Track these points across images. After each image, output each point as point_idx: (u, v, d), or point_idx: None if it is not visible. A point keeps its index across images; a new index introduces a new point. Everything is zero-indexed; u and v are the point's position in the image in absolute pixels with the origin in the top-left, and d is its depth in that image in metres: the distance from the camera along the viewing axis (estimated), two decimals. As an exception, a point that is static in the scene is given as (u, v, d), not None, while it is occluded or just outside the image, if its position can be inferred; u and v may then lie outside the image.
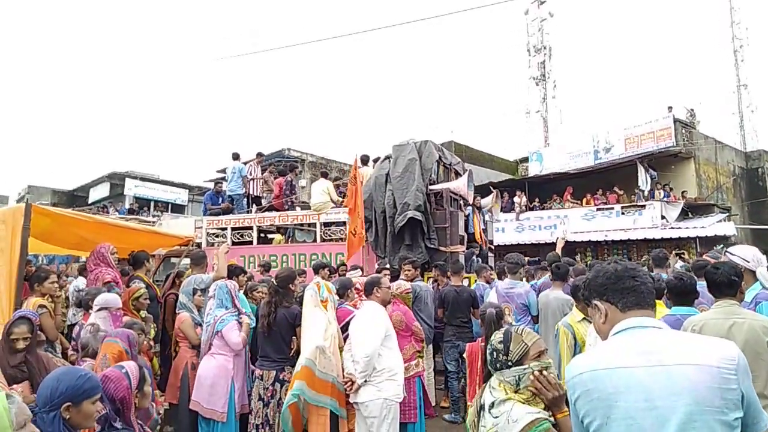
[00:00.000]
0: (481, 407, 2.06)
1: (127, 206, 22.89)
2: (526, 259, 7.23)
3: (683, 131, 17.80)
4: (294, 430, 3.91)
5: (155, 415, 3.17)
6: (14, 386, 2.95)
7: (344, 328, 4.32)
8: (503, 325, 3.66)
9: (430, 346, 6.12)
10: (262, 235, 9.68)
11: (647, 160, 16.84)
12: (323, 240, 8.59)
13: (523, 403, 1.93)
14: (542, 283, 5.88)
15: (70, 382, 2.04)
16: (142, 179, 25.68)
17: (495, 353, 2.06)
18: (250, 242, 9.04)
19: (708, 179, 18.43)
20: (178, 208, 26.11)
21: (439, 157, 8.64)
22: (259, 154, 11.78)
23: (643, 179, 16.32)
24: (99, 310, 4.04)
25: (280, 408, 4.13)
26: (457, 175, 9.48)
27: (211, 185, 12.94)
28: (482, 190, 12.74)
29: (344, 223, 8.39)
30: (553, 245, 8.70)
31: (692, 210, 16.58)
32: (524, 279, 5.98)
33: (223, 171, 15.67)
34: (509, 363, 2.01)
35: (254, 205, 10.86)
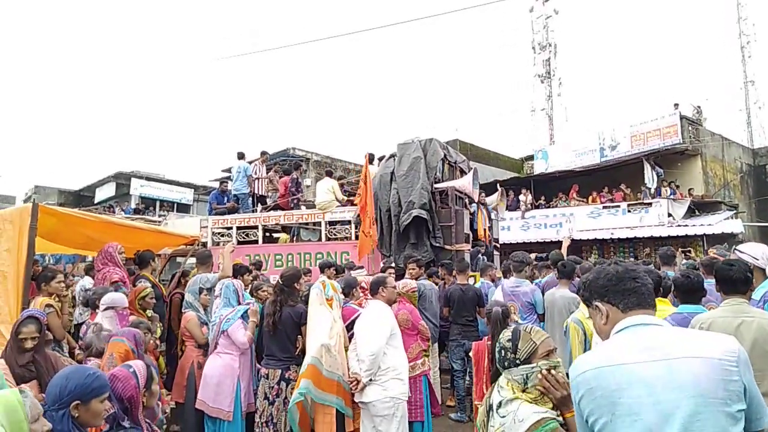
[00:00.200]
0: (490, 407, 2.05)
1: (133, 206, 22.96)
2: (534, 255, 7.21)
3: (690, 128, 17.71)
4: (301, 429, 3.92)
5: (161, 414, 3.18)
6: (22, 385, 2.97)
7: (349, 327, 4.31)
8: (509, 323, 3.65)
9: (436, 344, 6.12)
10: (268, 234, 9.70)
11: (653, 158, 16.75)
12: (328, 239, 8.59)
13: (531, 402, 1.92)
14: (546, 281, 5.86)
15: (79, 380, 2.05)
16: (148, 179, 25.75)
17: (503, 351, 2.05)
18: (256, 241, 9.06)
19: (715, 176, 18.33)
20: (183, 208, 26.17)
21: (444, 156, 8.63)
22: (264, 153, 11.80)
23: (650, 177, 16.24)
24: (105, 309, 4.06)
25: (286, 407, 4.14)
26: (462, 173, 9.46)
27: (217, 185, 12.97)
28: (487, 189, 12.73)
29: (349, 222, 8.40)
30: (558, 243, 8.68)
31: (699, 207, 16.49)
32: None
33: (229, 170, 15.70)
34: (517, 361, 2.00)
35: (259, 205, 10.88)
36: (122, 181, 25.47)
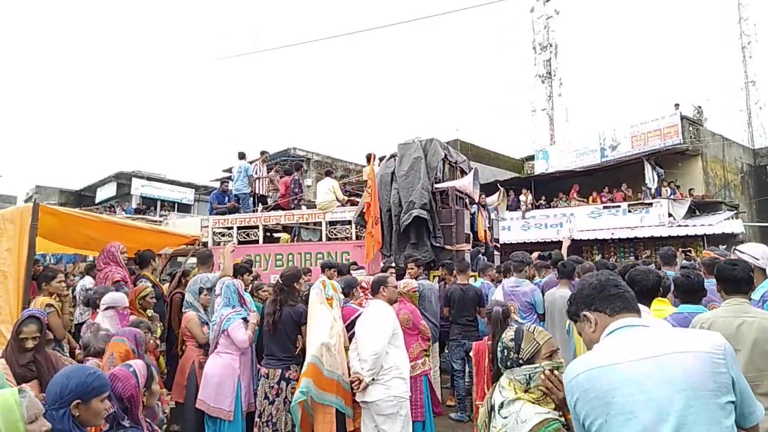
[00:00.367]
0: (492, 408, 2.04)
1: (134, 206, 22.98)
2: (536, 254, 7.21)
3: (690, 128, 17.70)
4: (302, 428, 3.92)
5: (161, 414, 3.18)
6: (23, 385, 2.97)
7: (349, 327, 4.32)
8: (510, 323, 3.65)
9: (436, 344, 6.11)
10: (268, 234, 9.70)
11: (654, 158, 16.74)
12: (329, 239, 8.59)
13: (533, 402, 1.91)
14: (546, 281, 5.86)
15: (80, 379, 2.06)
16: (149, 179, 25.76)
17: (506, 351, 2.05)
18: (256, 241, 9.06)
19: (715, 177, 18.32)
20: (184, 208, 26.18)
21: (445, 156, 8.62)
22: (263, 153, 11.80)
23: (650, 177, 16.23)
24: (106, 309, 4.06)
25: (286, 406, 4.15)
26: (463, 173, 9.45)
27: (217, 184, 12.97)
28: (488, 189, 12.72)
29: (350, 222, 8.40)
30: (559, 243, 8.68)
31: (700, 208, 16.48)
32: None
33: (229, 170, 15.71)
34: (520, 361, 1.99)
35: (260, 204, 10.88)
36: (123, 181, 25.48)
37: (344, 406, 3.99)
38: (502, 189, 11.92)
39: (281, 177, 10.90)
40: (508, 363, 2.03)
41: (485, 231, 9.50)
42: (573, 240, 10.41)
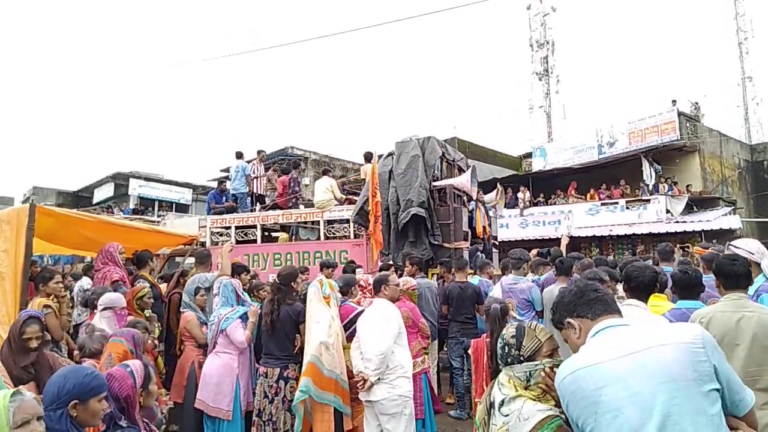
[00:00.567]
0: (491, 405, 2.02)
1: (131, 206, 22.94)
2: (535, 251, 7.21)
3: (687, 125, 17.71)
4: (302, 427, 3.93)
5: (160, 414, 3.17)
6: (19, 387, 2.96)
7: (347, 326, 4.32)
8: (508, 320, 3.65)
9: (435, 342, 6.12)
10: (266, 233, 9.69)
11: (651, 154, 16.76)
12: (327, 238, 8.59)
13: (534, 400, 1.90)
14: (545, 278, 5.86)
15: (77, 380, 2.05)
16: (146, 179, 25.70)
17: (507, 348, 2.03)
18: (254, 241, 9.05)
19: (713, 172, 18.34)
20: (182, 208, 26.13)
21: (442, 154, 8.62)
22: (260, 152, 11.78)
23: (648, 173, 16.24)
24: (103, 309, 4.05)
25: (285, 405, 4.16)
26: (461, 171, 9.46)
27: (215, 184, 12.97)
28: (486, 186, 12.73)
29: (348, 221, 8.40)
30: (557, 240, 8.68)
31: (697, 204, 16.50)
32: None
33: (227, 170, 15.68)
34: (521, 358, 1.98)
35: (258, 204, 10.87)
36: (121, 181, 25.43)
37: (342, 405, 3.99)
38: (499, 186, 11.93)
39: (279, 176, 10.89)
40: (509, 360, 2.01)
41: (483, 228, 9.51)
42: (571, 237, 10.41)
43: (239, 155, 11.10)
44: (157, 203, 25.16)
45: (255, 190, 11.09)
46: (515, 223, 18.09)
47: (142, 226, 7.39)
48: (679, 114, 17.30)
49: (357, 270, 6.59)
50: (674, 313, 3.07)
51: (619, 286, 3.65)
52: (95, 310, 4.19)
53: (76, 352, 4.17)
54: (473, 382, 4.15)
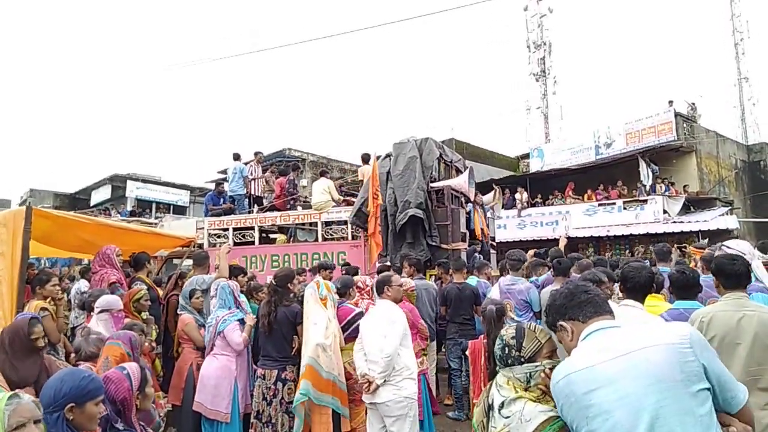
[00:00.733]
0: (490, 407, 2.01)
1: (129, 208, 22.92)
2: (532, 251, 7.21)
3: (684, 125, 17.75)
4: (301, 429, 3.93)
5: (157, 417, 3.16)
6: (17, 391, 2.94)
7: (345, 327, 4.31)
8: (505, 321, 3.65)
9: (433, 343, 6.11)
10: (264, 235, 9.69)
11: (648, 155, 16.77)
12: (325, 239, 8.59)
13: (534, 401, 1.90)
14: (544, 279, 5.86)
15: (74, 383, 2.05)
16: (144, 181, 25.69)
17: (507, 349, 2.02)
18: (252, 242, 9.05)
19: (710, 173, 18.37)
20: (179, 210, 26.13)
21: (440, 155, 8.63)
22: (257, 153, 11.77)
23: (645, 174, 16.26)
24: (100, 312, 4.04)
25: (282, 407, 4.15)
26: (458, 172, 9.46)
27: (213, 186, 12.95)
28: (483, 187, 12.75)
29: (345, 222, 8.40)
30: (555, 241, 8.70)
31: (694, 204, 16.52)
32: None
33: (224, 172, 15.69)
34: (522, 359, 1.97)
35: (256, 206, 10.86)
36: (118, 183, 25.42)
37: (340, 407, 3.98)
38: (497, 187, 11.97)
39: (276, 178, 10.88)
40: (509, 361, 2.00)
41: (481, 229, 9.51)
42: (569, 238, 10.43)
43: (237, 157, 11.09)
44: (154, 205, 25.15)
45: (253, 192, 11.08)
46: (513, 224, 18.10)
47: (139, 228, 7.39)
48: (676, 114, 17.34)
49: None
50: (672, 313, 3.07)
51: (617, 287, 3.65)
52: (92, 313, 4.18)
53: (73, 355, 4.17)
54: (471, 383, 4.14)
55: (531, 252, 7.04)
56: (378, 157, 8.92)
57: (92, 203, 26.67)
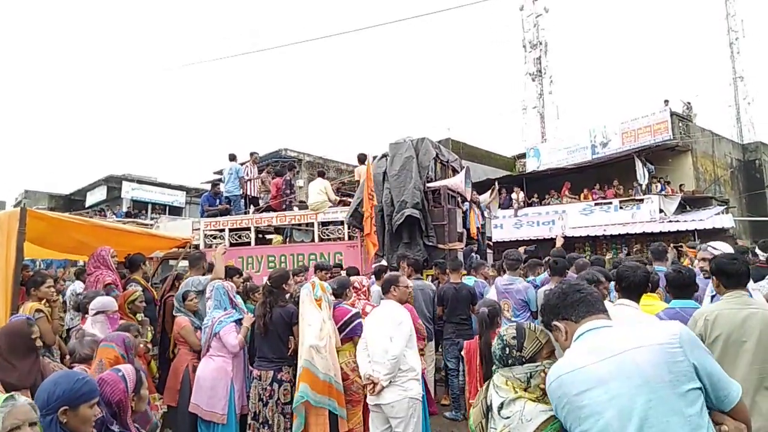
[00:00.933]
0: (488, 408, 2.00)
1: (124, 209, 22.83)
2: (522, 248, 7.22)
3: (680, 124, 17.80)
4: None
5: (154, 418, 3.15)
6: (14, 393, 2.92)
7: (342, 328, 4.30)
8: (498, 322, 3.65)
9: (431, 343, 6.10)
10: (260, 235, 9.67)
11: (644, 154, 16.82)
12: (321, 240, 8.58)
13: (534, 401, 1.90)
14: (543, 279, 5.86)
15: (67, 385, 2.03)
16: (139, 182, 25.57)
17: (507, 349, 2.01)
18: (248, 243, 9.03)
19: (705, 172, 18.43)
20: (175, 211, 26.02)
21: (436, 155, 8.63)
22: (253, 154, 11.74)
23: (641, 173, 16.30)
24: (96, 314, 4.02)
25: (279, 408, 4.14)
26: (455, 172, 9.47)
27: (209, 187, 12.92)
28: (480, 187, 12.74)
29: (342, 223, 8.38)
30: (551, 241, 8.71)
31: (690, 203, 16.57)
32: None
33: (220, 172, 15.63)
34: (523, 359, 1.97)
35: (252, 206, 10.84)
36: (113, 184, 25.30)
37: (337, 408, 3.97)
38: (494, 187, 11.95)
39: (273, 178, 10.86)
40: (510, 361, 1.99)
41: (477, 229, 9.51)
42: (565, 237, 10.43)
43: (232, 157, 11.06)
44: (150, 206, 25.06)
45: (248, 193, 11.05)
46: (509, 224, 18.12)
47: (134, 230, 7.37)
48: (672, 114, 17.39)
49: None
50: (668, 312, 3.07)
51: (612, 285, 3.66)
52: (87, 315, 4.15)
53: (67, 357, 4.14)
54: (467, 383, 4.14)
55: (521, 249, 7.04)
56: (374, 158, 8.93)
57: (87, 204, 26.55)
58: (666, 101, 18.03)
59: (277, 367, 4.25)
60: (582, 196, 17.98)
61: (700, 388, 1.50)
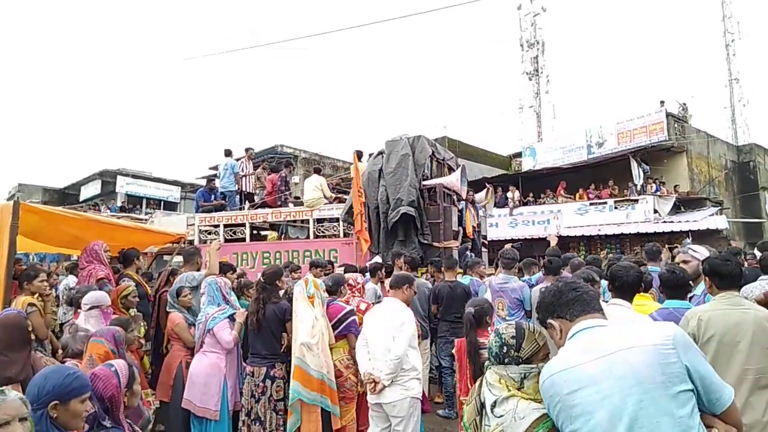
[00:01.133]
0: (482, 405, 2.00)
1: (119, 204, 22.75)
2: (509, 245, 7.23)
3: (675, 125, 17.85)
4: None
5: (147, 413, 3.13)
6: (4, 387, 2.91)
7: (336, 325, 4.29)
8: (487, 322, 3.65)
9: (427, 341, 6.10)
10: (255, 231, 9.65)
11: (640, 155, 16.86)
12: (316, 236, 8.56)
13: (527, 399, 1.90)
14: (537, 278, 5.88)
15: (58, 380, 2.02)
16: (134, 177, 25.48)
17: (505, 348, 2.00)
18: (243, 239, 9.01)
19: (700, 173, 18.50)
20: (170, 206, 25.93)
21: (432, 153, 8.62)
22: (248, 150, 11.71)
23: (636, 173, 16.35)
24: (90, 309, 4.00)
25: (271, 404, 4.14)
26: (451, 170, 9.46)
27: (204, 182, 12.86)
28: (476, 186, 12.76)
29: (337, 220, 8.38)
30: (546, 240, 8.73)
31: (684, 204, 16.64)
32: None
33: (216, 168, 15.58)
34: (519, 360, 1.97)
35: (247, 202, 10.81)
36: (108, 178, 25.19)
37: (330, 405, 3.97)
38: (489, 186, 11.98)
39: (268, 174, 10.83)
40: (506, 360, 1.99)
41: (473, 228, 9.52)
42: (560, 236, 10.47)
43: (228, 153, 11.03)
44: (145, 201, 24.98)
45: (244, 189, 11.02)
46: (505, 223, 18.13)
47: (129, 224, 7.35)
48: (667, 115, 17.43)
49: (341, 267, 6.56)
50: (662, 312, 3.08)
51: (605, 283, 3.68)
52: (80, 309, 4.13)
53: (59, 352, 4.12)
54: (458, 381, 4.14)
55: (507, 246, 7.05)
56: (370, 155, 8.91)
57: (82, 198, 26.42)
58: (662, 102, 18.08)
59: (269, 363, 4.24)
60: (577, 195, 18.01)
61: (692, 390, 1.50)
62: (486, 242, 11.19)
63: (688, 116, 19.26)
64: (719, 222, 14.87)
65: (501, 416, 1.86)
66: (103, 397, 2.25)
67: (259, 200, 10.63)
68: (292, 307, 4.23)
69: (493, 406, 1.91)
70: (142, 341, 4.65)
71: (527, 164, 21.41)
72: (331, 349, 4.18)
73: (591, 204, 17.00)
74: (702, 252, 3.73)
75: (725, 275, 2.82)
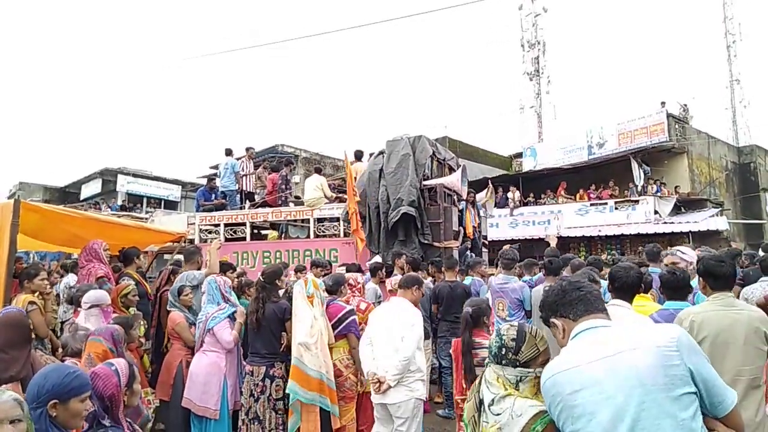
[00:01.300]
0: (481, 402, 2.01)
1: (119, 203, 22.78)
2: (507, 246, 7.23)
3: (676, 126, 17.85)
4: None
5: (146, 411, 3.13)
6: (2, 387, 2.91)
7: (335, 325, 4.29)
8: (484, 322, 3.65)
9: (428, 341, 6.10)
10: (256, 231, 9.65)
11: (640, 156, 16.86)
12: (317, 236, 8.56)
13: (524, 397, 1.90)
14: (537, 278, 5.88)
15: (57, 379, 2.01)
16: (135, 175, 25.52)
17: (504, 349, 2.01)
18: (244, 238, 9.01)
19: (701, 174, 18.49)
20: (170, 205, 25.97)
21: (433, 153, 8.62)
22: (249, 149, 11.70)
23: (637, 174, 16.34)
24: (90, 307, 4.00)
25: (270, 404, 4.14)
26: (451, 170, 9.47)
27: (204, 181, 12.86)
28: (476, 186, 12.74)
29: (338, 219, 8.37)
30: (546, 241, 8.73)
31: (685, 205, 16.63)
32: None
33: (216, 167, 15.58)
34: (517, 363, 1.97)
35: (247, 201, 10.81)
36: (109, 177, 25.22)
37: (329, 405, 3.97)
38: (490, 186, 11.96)
39: (269, 173, 10.83)
40: (503, 361, 1.99)
41: (474, 228, 9.52)
42: (560, 237, 10.47)
43: (228, 152, 11.03)
44: (145, 200, 25.02)
45: (244, 188, 11.02)
46: (505, 223, 18.12)
47: (129, 223, 7.36)
48: (668, 116, 17.43)
49: (341, 267, 6.56)
50: (662, 313, 3.08)
51: (604, 283, 3.67)
52: (80, 308, 4.14)
53: (59, 351, 4.13)
54: (455, 380, 4.14)
55: (506, 246, 7.06)
56: (371, 155, 8.91)
57: (82, 197, 26.45)
58: (663, 103, 18.08)
59: (269, 362, 4.24)
60: (578, 196, 18.01)
61: (694, 393, 1.50)
62: (486, 242, 11.18)
63: (689, 117, 19.26)
64: (720, 223, 14.87)
65: (499, 414, 1.88)
66: (103, 396, 2.25)
67: (260, 199, 10.63)
68: (292, 306, 4.24)
69: (491, 403, 1.93)
70: (142, 340, 4.65)
71: (528, 164, 21.41)
72: (330, 348, 4.18)
73: (591, 205, 17.00)
74: (690, 254, 3.74)
75: (719, 276, 2.82)
